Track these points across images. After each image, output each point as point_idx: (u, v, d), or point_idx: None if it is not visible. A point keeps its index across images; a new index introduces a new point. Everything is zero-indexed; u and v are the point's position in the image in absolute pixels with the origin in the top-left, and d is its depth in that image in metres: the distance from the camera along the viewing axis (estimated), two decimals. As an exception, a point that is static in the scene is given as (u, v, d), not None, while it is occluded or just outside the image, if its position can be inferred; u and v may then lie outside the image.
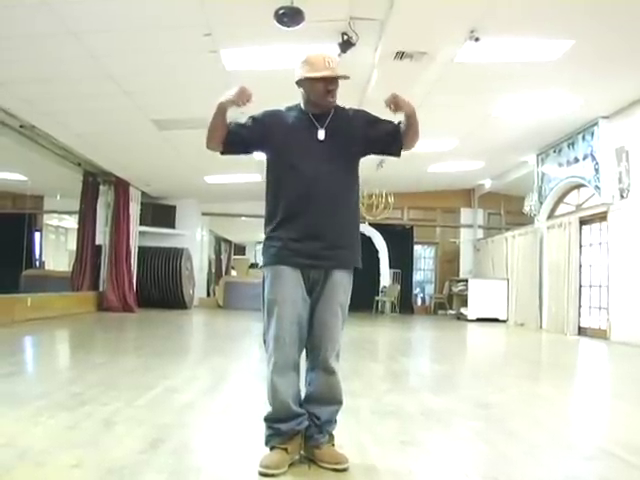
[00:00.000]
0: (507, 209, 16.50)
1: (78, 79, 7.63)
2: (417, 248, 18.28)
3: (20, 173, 14.06)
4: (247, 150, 2.93)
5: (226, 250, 23.36)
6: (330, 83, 2.76)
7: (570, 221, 11.37)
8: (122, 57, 7.01)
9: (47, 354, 6.98)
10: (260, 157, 3.02)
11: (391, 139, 2.90)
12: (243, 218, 17.63)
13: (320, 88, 2.76)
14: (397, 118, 2.87)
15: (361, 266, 2.85)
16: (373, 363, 6.74)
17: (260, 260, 2.88)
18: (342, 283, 2.77)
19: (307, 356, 2.80)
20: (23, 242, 14.45)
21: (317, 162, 2.74)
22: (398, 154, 2.96)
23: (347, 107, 2.95)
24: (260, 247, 2.97)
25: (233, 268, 23.99)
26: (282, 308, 2.69)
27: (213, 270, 20.43)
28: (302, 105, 2.86)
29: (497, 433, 3.39)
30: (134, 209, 14.27)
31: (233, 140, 2.85)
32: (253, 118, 2.86)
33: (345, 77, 2.76)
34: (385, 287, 16.93)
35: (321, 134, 2.79)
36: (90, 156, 11.96)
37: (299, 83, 2.80)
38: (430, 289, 18.48)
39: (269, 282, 2.75)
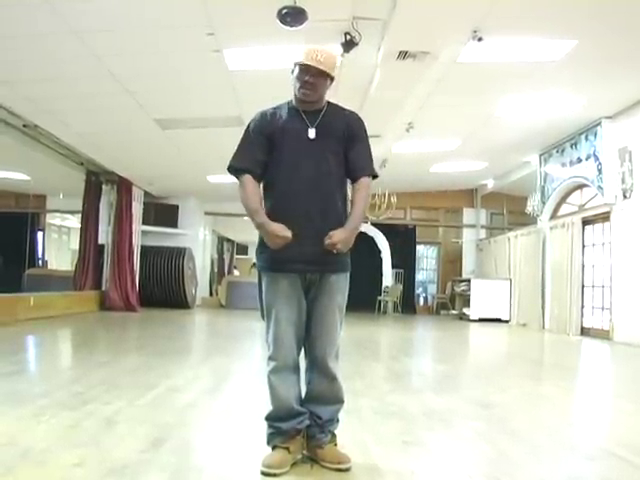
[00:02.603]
0: (510, 209, 16.51)
1: (81, 78, 7.64)
2: (420, 248, 18.28)
3: (23, 172, 14.10)
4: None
5: (228, 250, 23.36)
6: (307, 73, 2.69)
7: (573, 221, 11.36)
8: (124, 56, 7.01)
9: (49, 353, 6.98)
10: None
11: (347, 170, 2.81)
12: (246, 218, 17.58)
13: (299, 76, 2.71)
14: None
15: (350, 270, 2.82)
16: (375, 363, 6.74)
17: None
18: (338, 284, 2.76)
19: (306, 356, 2.80)
20: (26, 241, 14.49)
21: (308, 162, 2.70)
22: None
23: (345, 107, 2.90)
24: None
25: (235, 268, 24.01)
26: (279, 310, 2.69)
27: (215, 270, 20.43)
28: (293, 101, 2.84)
29: (499, 433, 3.39)
30: (137, 208, 14.29)
31: (263, 173, 2.79)
32: (256, 135, 2.78)
33: (323, 72, 2.69)
34: (387, 287, 16.94)
35: (312, 133, 2.74)
36: (93, 155, 11.98)
37: (292, 73, 2.78)
38: (432, 289, 18.49)
39: (266, 285, 2.75)
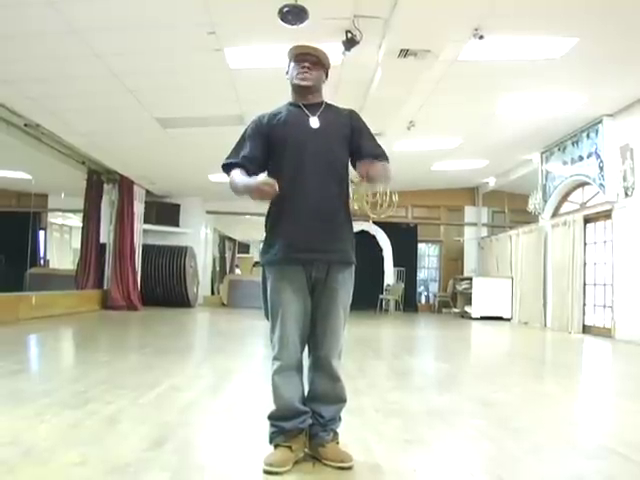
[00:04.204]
0: (511, 207, 16.49)
1: (82, 77, 7.65)
2: (421, 246, 18.26)
3: (24, 171, 14.11)
4: (266, 167, 2.86)
5: (230, 248, 23.35)
6: (305, 60, 2.80)
7: (574, 219, 11.35)
8: (126, 55, 7.02)
9: (51, 352, 6.99)
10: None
11: (361, 160, 2.84)
12: (247, 216, 17.65)
13: (296, 65, 2.82)
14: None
15: (355, 262, 2.84)
16: (377, 361, 6.74)
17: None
18: (344, 282, 2.76)
19: (309, 354, 2.80)
20: (28, 240, 14.48)
21: (312, 151, 2.73)
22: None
23: (340, 106, 2.95)
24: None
25: (237, 266, 24.01)
26: (286, 309, 2.69)
27: (217, 268, 20.43)
28: (291, 98, 2.89)
29: (501, 431, 3.39)
30: (138, 207, 14.30)
31: (255, 171, 2.80)
32: (251, 135, 2.83)
33: (319, 60, 2.80)
34: (389, 285, 16.93)
35: (314, 122, 2.78)
36: (94, 154, 12.00)
37: (287, 73, 2.87)
38: (434, 287, 18.47)
39: (272, 283, 2.74)
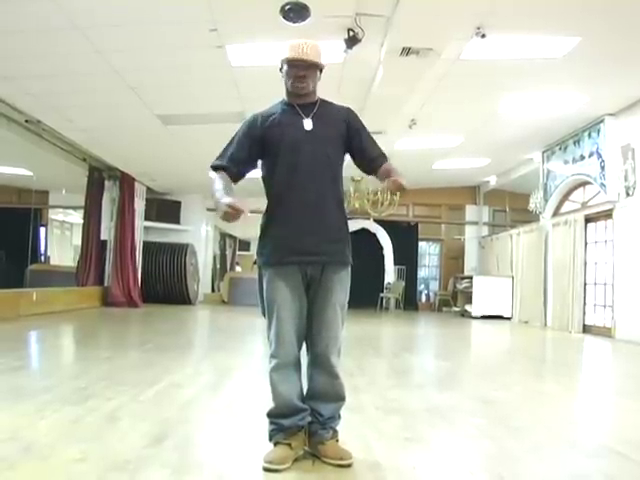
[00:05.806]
0: (512, 206, 16.46)
1: (83, 74, 7.64)
2: (422, 245, 18.23)
3: (25, 168, 14.09)
4: (255, 166, 2.91)
5: (231, 246, 23.33)
6: (298, 68, 2.75)
7: (575, 218, 11.34)
8: (128, 52, 7.01)
9: (52, 349, 6.99)
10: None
11: (365, 162, 2.89)
12: (249, 214, 17.62)
13: (289, 72, 2.77)
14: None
15: (352, 262, 2.84)
16: (377, 359, 6.74)
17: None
18: (340, 280, 2.76)
19: (307, 352, 2.81)
20: (28, 237, 14.47)
21: (306, 153, 2.73)
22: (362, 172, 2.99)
23: (336, 103, 2.94)
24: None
25: (238, 264, 23.99)
26: (282, 307, 2.70)
27: (218, 266, 20.42)
28: (285, 97, 2.88)
29: (501, 430, 3.39)
30: (139, 204, 14.31)
31: (240, 171, 2.86)
32: (241, 136, 2.85)
33: (312, 64, 2.75)
34: (389, 284, 16.93)
35: (308, 124, 2.77)
36: (95, 151, 12.00)
37: (281, 70, 2.83)
38: (435, 286, 18.46)
39: (267, 281, 2.75)
